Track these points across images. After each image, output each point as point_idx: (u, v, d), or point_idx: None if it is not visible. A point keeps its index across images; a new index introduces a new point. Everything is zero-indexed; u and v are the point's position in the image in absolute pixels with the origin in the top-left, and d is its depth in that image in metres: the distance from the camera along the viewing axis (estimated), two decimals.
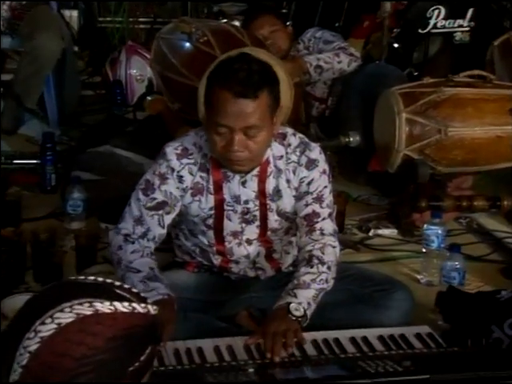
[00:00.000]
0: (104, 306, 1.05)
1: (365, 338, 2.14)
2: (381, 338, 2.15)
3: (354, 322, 2.26)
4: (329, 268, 2.21)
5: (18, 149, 3.85)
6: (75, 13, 5.42)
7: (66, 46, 4.06)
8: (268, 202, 2.28)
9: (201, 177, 2.25)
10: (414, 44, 4.50)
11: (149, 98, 4.06)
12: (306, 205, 2.28)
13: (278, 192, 2.28)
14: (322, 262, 2.21)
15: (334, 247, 2.26)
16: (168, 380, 1.92)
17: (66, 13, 5.35)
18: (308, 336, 2.14)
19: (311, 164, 2.27)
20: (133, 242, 2.22)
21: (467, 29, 4.45)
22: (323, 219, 2.27)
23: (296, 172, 2.27)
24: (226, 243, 2.31)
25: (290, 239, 2.41)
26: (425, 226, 2.82)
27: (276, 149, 2.26)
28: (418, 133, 3.08)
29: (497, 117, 3.12)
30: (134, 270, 2.17)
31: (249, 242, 2.33)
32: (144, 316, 1.07)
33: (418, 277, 2.83)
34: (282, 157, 2.27)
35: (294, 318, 2.09)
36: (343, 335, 2.15)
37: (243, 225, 2.30)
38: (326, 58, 3.88)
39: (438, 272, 2.73)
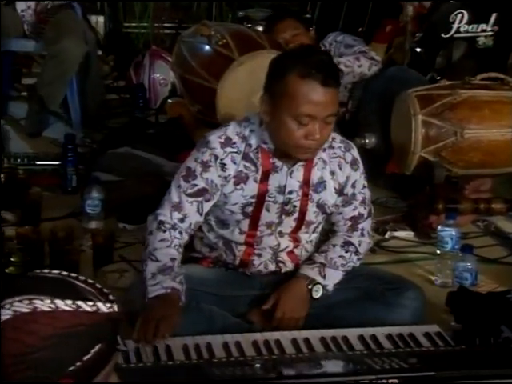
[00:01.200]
0: (44, 304, 1.04)
1: (373, 336, 2.16)
2: (389, 336, 2.16)
3: (364, 321, 2.28)
4: (359, 259, 2.41)
5: (42, 151, 3.91)
6: (101, 18, 5.50)
7: (89, 50, 4.12)
8: (311, 192, 2.33)
9: (245, 166, 2.28)
10: (437, 48, 4.49)
11: (169, 100, 4.12)
12: (355, 209, 2.39)
13: (322, 183, 2.34)
14: (357, 252, 2.39)
15: (368, 243, 2.46)
16: (175, 373, 1.94)
17: (93, 18, 5.43)
18: (317, 334, 2.17)
19: (355, 163, 2.37)
20: (164, 231, 2.26)
21: (491, 33, 4.43)
22: (365, 219, 2.42)
23: (342, 168, 2.35)
24: (258, 232, 2.35)
25: (313, 238, 2.44)
26: (439, 227, 2.82)
27: None
28: (434, 135, 3.09)
29: None
30: (154, 258, 2.21)
31: (281, 234, 2.37)
32: (90, 315, 1.05)
33: (433, 278, 2.83)
34: (325, 149, 2.33)
35: (309, 298, 2.27)
36: (352, 333, 2.17)
37: (283, 216, 2.33)
38: (346, 62, 3.90)
39: (452, 273, 2.73)
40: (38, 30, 4.07)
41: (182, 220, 2.28)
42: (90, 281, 1.10)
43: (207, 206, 2.30)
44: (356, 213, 2.40)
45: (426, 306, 2.42)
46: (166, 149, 3.61)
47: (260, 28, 4.55)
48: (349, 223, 2.41)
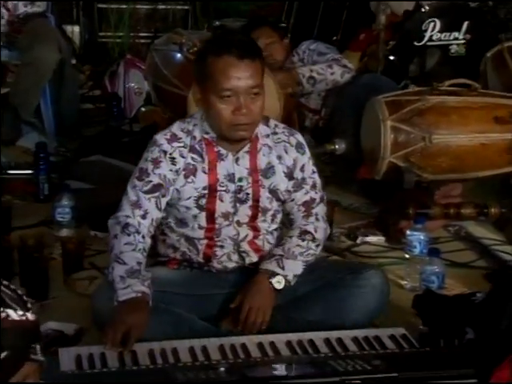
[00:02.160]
0: None
1: (339, 339, 2.16)
2: (355, 339, 2.17)
3: (330, 308, 2.33)
4: (317, 246, 2.43)
5: (15, 160, 3.91)
6: (77, 28, 5.51)
7: (63, 58, 4.13)
8: (260, 178, 2.38)
9: (192, 158, 2.34)
10: (411, 56, 4.53)
11: (143, 109, 4.13)
12: (306, 193, 2.44)
13: (270, 168, 2.39)
14: (314, 239, 2.42)
15: (324, 228, 2.47)
16: (139, 378, 1.94)
17: (68, 28, 5.44)
18: (283, 337, 2.17)
19: (300, 147, 2.43)
20: (129, 235, 2.28)
21: (463, 41, 4.48)
22: (318, 204, 2.46)
23: (288, 151, 2.41)
24: (217, 225, 2.38)
25: (273, 228, 2.47)
26: (407, 232, 2.84)
27: (262, 128, 2.40)
28: (402, 140, 3.11)
29: (481, 124, 3.15)
30: (121, 262, 2.23)
31: (239, 223, 2.40)
32: None
33: (402, 283, 2.85)
34: (268, 135, 2.40)
35: (273, 290, 2.30)
36: (317, 336, 2.18)
37: (237, 205, 2.37)
38: (319, 70, 3.93)
39: (421, 277, 2.74)
40: (12, 39, 4.08)
41: (143, 216, 2.31)
42: (13, 286, 1.09)
43: (164, 202, 2.34)
44: (308, 197, 2.45)
45: (392, 306, 2.44)
46: (139, 156, 3.61)
47: None
48: (302, 209, 2.45)
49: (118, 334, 2.08)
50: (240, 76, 2.23)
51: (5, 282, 1.09)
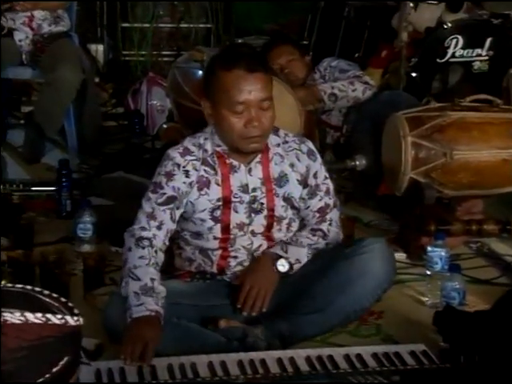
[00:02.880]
0: (14, 317, 1.06)
1: (359, 355, 2.16)
2: (374, 355, 2.16)
3: (334, 281, 2.34)
4: (327, 244, 2.49)
5: (39, 178, 3.95)
6: (101, 47, 5.58)
7: (86, 77, 4.17)
8: (274, 187, 2.41)
9: (205, 171, 2.37)
10: (433, 73, 4.53)
11: (164, 125, 4.15)
12: (320, 199, 2.48)
13: (283, 177, 2.42)
14: (324, 236, 2.48)
15: (336, 232, 2.53)
16: None
17: (92, 47, 5.52)
18: (302, 353, 2.17)
19: (312, 154, 2.48)
20: (143, 248, 2.30)
21: (486, 58, 4.47)
22: (332, 209, 2.52)
23: (300, 159, 2.45)
24: (231, 235, 2.40)
25: (288, 238, 2.48)
26: (428, 248, 2.82)
27: (272, 138, 2.43)
28: (423, 156, 3.10)
29: (503, 140, 3.13)
30: (135, 277, 2.25)
31: (253, 233, 2.42)
32: (58, 327, 1.08)
33: (424, 299, 2.83)
34: (279, 145, 2.44)
35: (275, 272, 2.33)
36: (337, 352, 2.17)
37: (252, 215, 2.39)
38: (340, 86, 3.94)
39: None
40: (36, 59, 4.12)
41: (159, 227, 2.34)
42: (55, 295, 1.12)
43: (178, 213, 2.37)
44: (322, 203, 2.49)
45: (412, 323, 2.42)
46: None
47: None
48: (317, 215, 2.49)
49: (137, 349, 2.09)
50: (251, 89, 2.26)
51: (45, 292, 1.11)
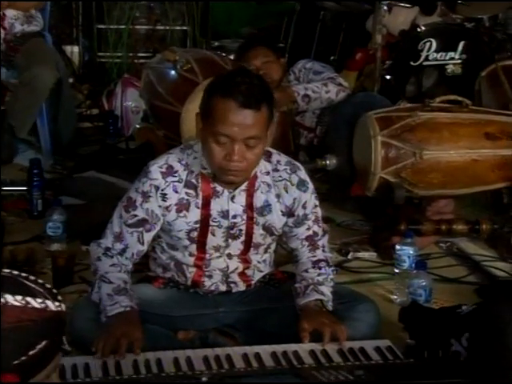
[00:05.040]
0: None
1: (324, 351, 2.16)
2: (340, 350, 2.16)
3: (319, 339, 2.27)
4: (333, 270, 2.42)
5: (11, 178, 3.93)
6: (76, 48, 5.57)
7: (61, 77, 4.15)
8: (255, 215, 2.33)
9: (186, 193, 2.28)
10: (407, 76, 4.56)
11: (137, 126, 4.15)
12: (308, 228, 2.39)
13: (267, 206, 2.33)
14: (328, 264, 2.41)
15: (331, 257, 2.48)
16: None
17: (68, 48, 5.51)
18: (268, 349, 2.17)
19: (302, 185, 2.35)
20: (112, 257, 2.30)
21: (459, 61, 4.51)
22: (322, 236, 2.43)
23: (288, 190, 2.34)
24: (207, 255, 2.36)
25: (266, 258, 2.45)
26: (397, 246, 2.84)
27: (262, 165, 2.32)
28: (393, 156, 3.12)
29: (472, 140, 3.16)
30: (107, 281, 2.24)
31: (229, 256, 2.37)
32: (38, 311, 1.08)
33: (392, 297, 2.84)
34: (268, 172, 2.33)
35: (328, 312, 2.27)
36: (302, 348, 2.17)
37: (229, 240, 2.34)
38: (313, 88, 3.95)
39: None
40: (9, 58, 4.10)
41: (123, 250, 2.30)
42: (40, 281, 1.13)
43: (149, 236, 2.31)
44: (311, 232, 2.41)
45: (382, 320, 2.43)
46: (133, 173, 3.63)
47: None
48: (306, 243, 2.41)
49: (109, 344, 2.08)
50: (239, 124, 2.13)
51: (31, 277, 1.13)
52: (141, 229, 2.29)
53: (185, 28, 5.73)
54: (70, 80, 4.82)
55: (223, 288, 2.42)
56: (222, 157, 2.17)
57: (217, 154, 2.17)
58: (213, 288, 2.41)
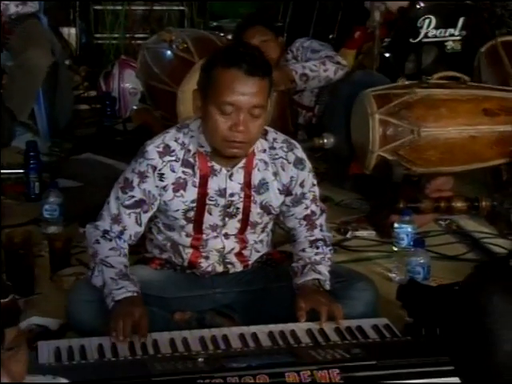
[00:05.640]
0: None
1: (321, 330, 2.15)
2: (337, 329, 2.15)
3: (318, 316, 2.26)
4: (330, 250, 2.41)
5: (8, 161, 3.92)
6: (73, 30, 5.53)
7: (57, 59, 4.13)
8: (253, 193, 2.31)
9: (183, 172, 2.27)
10: (406, 53, 4.52)
11: (134, 107, 4.13)
12: (306, 207, 2.37)
13: (264, 185, 2.32)
14: (326, 244, 2.39)
15: (329, 236, 2.45)
16: (117, 370, 1.93)
17: (65, 30, 5.48)
18: (265, 328, 2.16)
19: (299, 163, 2.33)
20: (110, 240, 2.28)
21: (459, 38, 4.48)
22: (320, 215, 2.41)
23: (285, 168, 2.32)
24: (204, 235, 2.34)
25: (263, 238, 2.44)
26: (395, 224, 2.83)
27: (259, 142, 2.31)
28: (391, 133, 3.10)
29: (470, 117, 3.13)
30: (108, 265, 2.23)
31: (226, 236, 2.36)
32: None
33: (391, 275, 2.83)
34: (265, 150, 2.32)
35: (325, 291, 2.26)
36: (300, 327, 2.16)
37: (226, 219, 2.32)
38: (311, 67, 3.92)
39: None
40: (4, 41, 4.08)
41: (121, 232, 2.29)
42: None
43: (146, 217, 2.30)
44: (308, 211, 2.39)
45: (380, 299, 2.42)
46: (131, 154, 3.62)
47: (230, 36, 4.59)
48: (304, 223, 2.40)
49: (127, 324, 2.08)
50: (245, 92, 2.14)
51: None
52: (138, 210, 2.28)
53: (182, 8, 5.70)
54: (67, 62, 4.79)
55: (220, 269, 2.41)
56: (227, 127, 2.16)
57: (221, 125, 2.16)
58: (209, 269, 2.40)
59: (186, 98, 3.31)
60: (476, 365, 1.91)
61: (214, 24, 5.94)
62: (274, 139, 2.34)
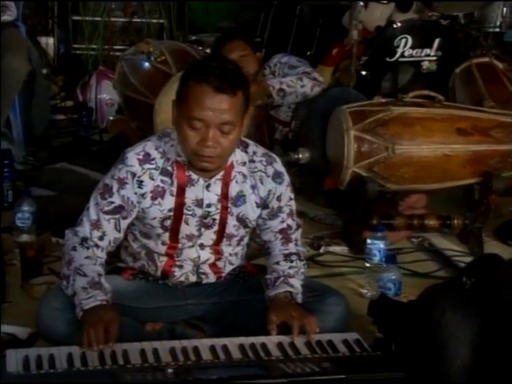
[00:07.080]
0: None
1: (291, 344, 2.15)
2: (308, 343, 2.16)
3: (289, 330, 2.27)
4: (304, 265, 2.42)
5: None
6: (51, 40, 5.53)
7: (34, 68, 4.12)
8: (230, 205, 2.32)
9: (162, 180, 2.28)
10: (383, 72, 4.58)
11: (111, 118, 4.13)
12: (282, 221, 2.39)
13: (241, 197, 2.33)
14: (300, 258, 2.41)
15: (303, 252, 2.47)
16: (86, 379, 1.92)
17: (43, 39, 5.47)
18: (236, 341, 2.16)
19: (278, 177, 2.35)
20: (88, 248, 2.27)
21: (434, 58, 4.53)
22: (295, 229, 2.43)
23: (263, 182, 2.33)
24: (180, 244, 2.35)
25: (238, 251, 2.44)
26: (368, 240, 2.84)
27: (239, 155, 2.32)
28: (366, 150, 3.12)
29: (445, 136, 3.16)
30: (82, 274, 2.22)
31: (202, 246, 2.36)
32: None
33: (363, 291, 2.85)
34: (245, 163, 2.33)
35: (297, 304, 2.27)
36: (271, 340, 2.16)
37: (202, 229, 2.33)
38: (289, 82, 3.95)
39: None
40: None
41: (101, 238, 2.29)
42: None
43: (125, 223, 2.30)
44: (284, 225, 2.41)
45: (352, 314, 2.42)
46: (106, 165, 3.62)
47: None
48: (280, 236, 2.41)
49: (99, 331, 2.07)
50: (214, 108, 2.13)
51: None
52: (117, 216, 2.28)
53: (161, 21, 5.71)
54: (45, 71, 4.78)
55: (193, 279, 2.41)
56: (196, 142, 2.17)
57: (191, 139, 2.17)
58: (183, 278, 2.40)
59: (162, 110, 3.32)
60: (429, 380, 1.92)
61: (193, 38, 5.96)
62: (254, 152, 2.34)
